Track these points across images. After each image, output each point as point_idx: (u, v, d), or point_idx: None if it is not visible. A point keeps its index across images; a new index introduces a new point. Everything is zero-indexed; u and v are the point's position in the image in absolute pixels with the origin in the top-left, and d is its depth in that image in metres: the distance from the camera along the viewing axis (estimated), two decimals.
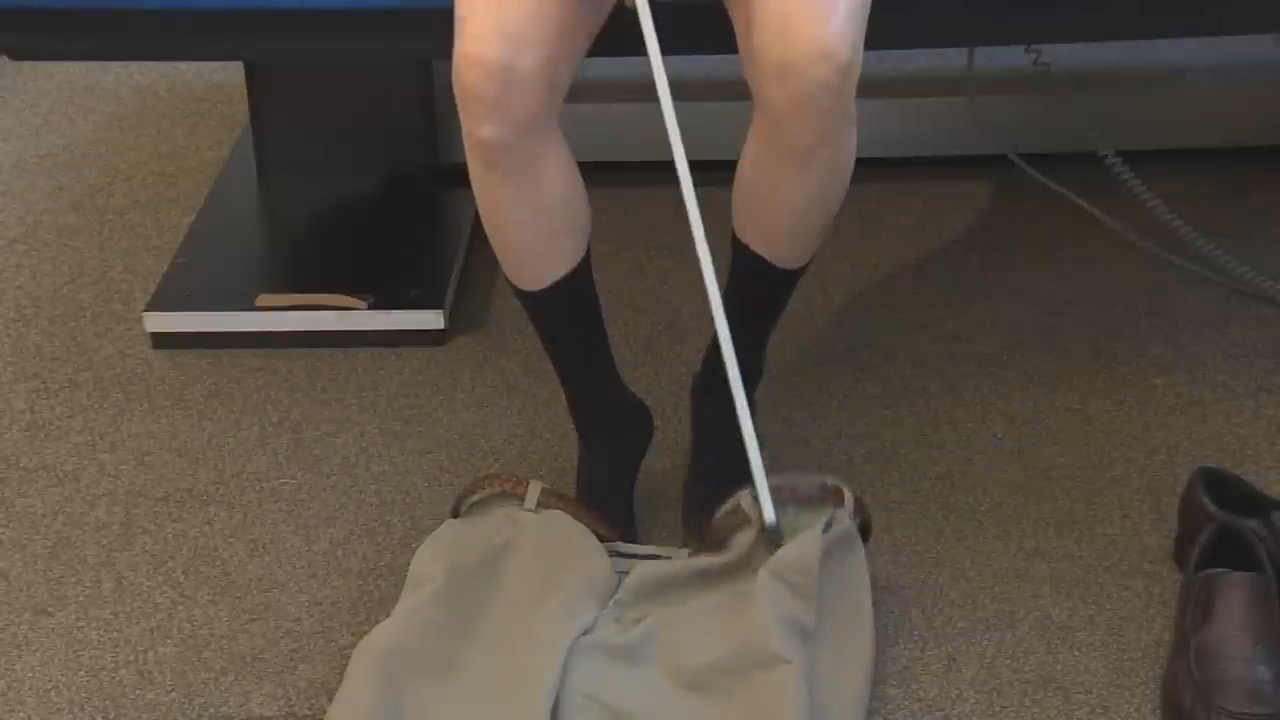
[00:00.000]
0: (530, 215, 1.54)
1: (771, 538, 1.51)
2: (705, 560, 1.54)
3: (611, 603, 1.51)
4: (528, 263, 1.59)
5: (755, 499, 1.52)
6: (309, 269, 2.14)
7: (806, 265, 1.62)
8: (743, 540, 1.53)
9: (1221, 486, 1.62)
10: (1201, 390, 1.91)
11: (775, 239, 1.58)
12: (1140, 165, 2.16)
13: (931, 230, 2.25)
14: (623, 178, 2.19)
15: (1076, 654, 1.55)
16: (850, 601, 1.51)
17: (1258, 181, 2.32)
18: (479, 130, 1.45)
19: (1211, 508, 1.59)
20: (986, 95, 2.40)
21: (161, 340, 2.04)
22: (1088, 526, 1.71)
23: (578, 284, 1.61)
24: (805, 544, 1.50)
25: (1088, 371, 1.95)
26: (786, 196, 1.52)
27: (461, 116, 1.46)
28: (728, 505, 1.55)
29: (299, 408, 1.93)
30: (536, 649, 1.43)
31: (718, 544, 1.55)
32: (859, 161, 2.35)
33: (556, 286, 1.60)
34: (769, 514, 1.51)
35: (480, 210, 1.56)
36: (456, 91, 1.44)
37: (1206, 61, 2.51)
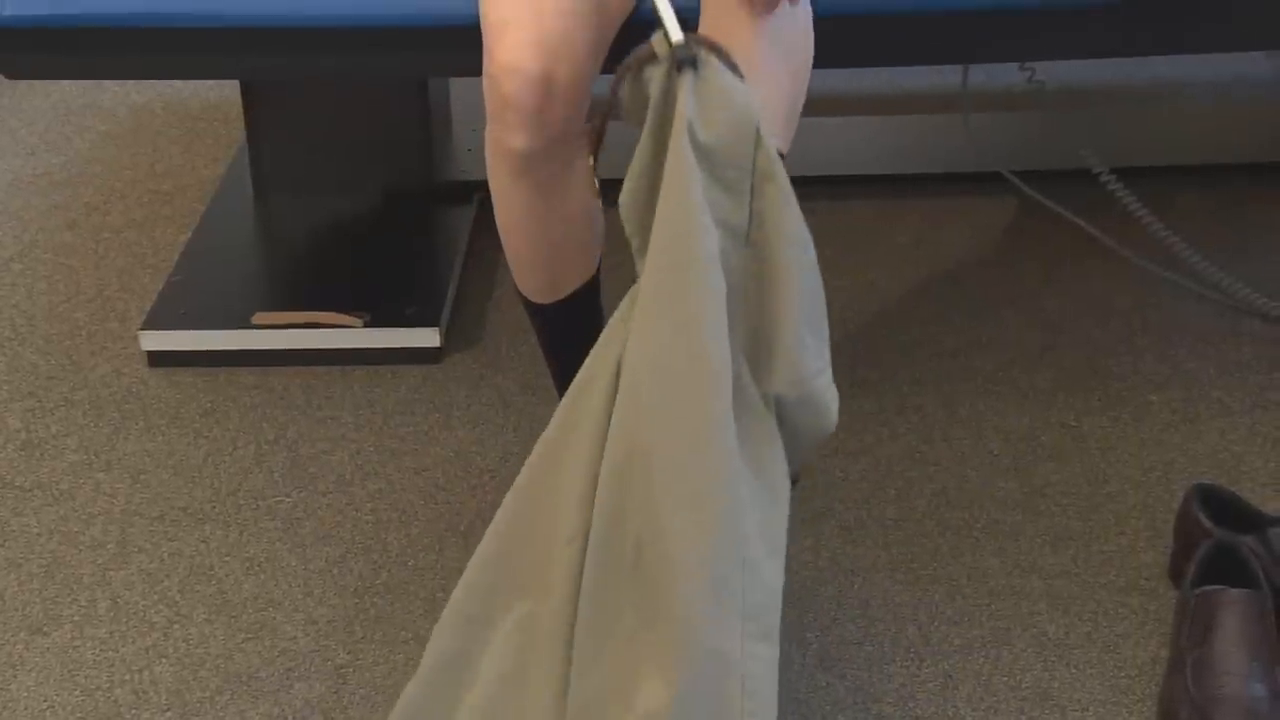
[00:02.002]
0: (552, 227, 1.54)
1: (681, 57, 1.28)
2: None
3: None
4: (543, 275, 1.59)
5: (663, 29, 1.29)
6: (305, 287, 2.14)
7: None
8: (656, 78, 1.29)
9: (1217, 503, 1.62)
10: (1197, 406, 1.91)
11: None
12: (1135, 181, 2.16)
13: (927, 247, 2.25)
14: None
15: (1073, 671, 1.55)
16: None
17: (1252, 197, 2.32)
18: (512, 140, 1.45)
19: (1207, 524, 1.59)
20: (981, 112, 2.41)
21: (157, 359, 2.04)
22: (1084, 543, 1.71)
23: (588, 298, 1.61)
24: (738, 120, 1.28)
25: (1083, 388, 1.95)
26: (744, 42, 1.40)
27: (494, 126, 1.46)
28: (632, 55, 1.32)
29: (295, 426, 1.93)
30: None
31: (638, 105, 1.32)
32: (855, 178, 2.38)
33: (568, 300, 1.60)
34: (674, 30, 1.28)
35: (500, 221, 1.56)
36: (492, 100, 1.44)
37: (1200, 78, 2.52)
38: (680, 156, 1.27)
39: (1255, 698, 1.44)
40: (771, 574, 1.29)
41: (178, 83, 2.82)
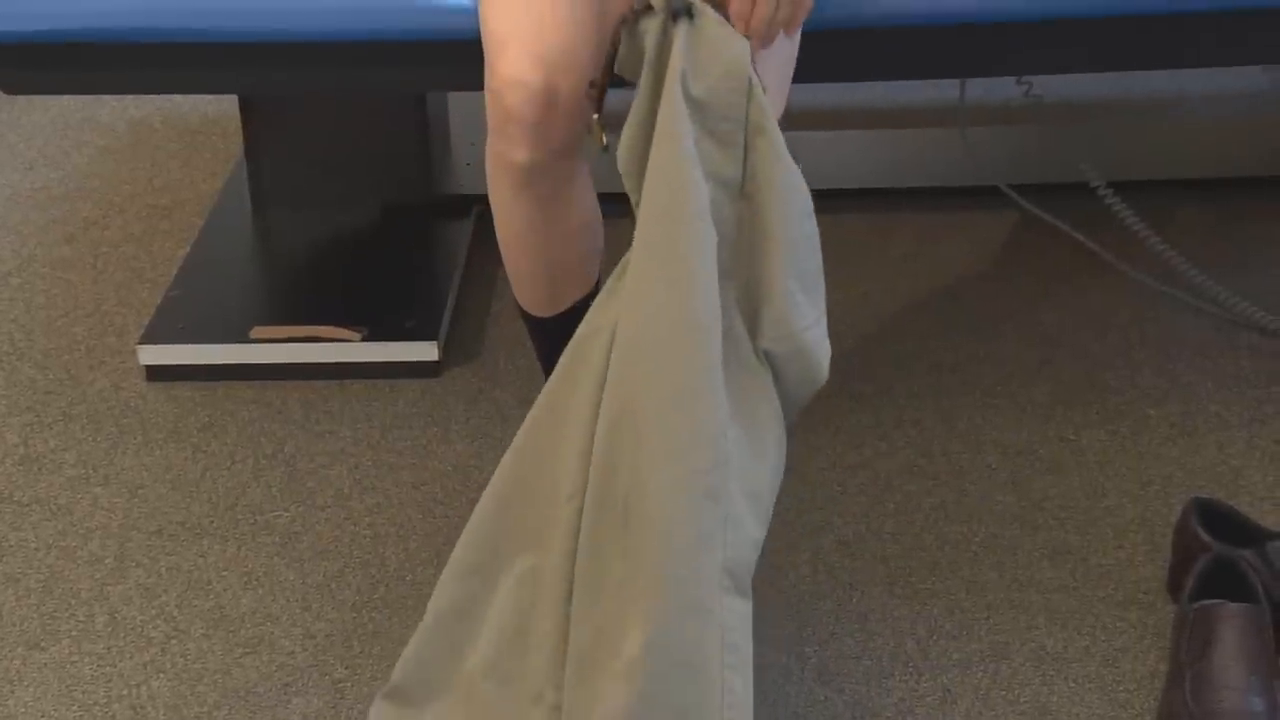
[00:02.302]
0: (554, 240, 1.54)
1: (676, 6, 1.31)
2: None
3: None
4: (544, 288, 1.59)
5: None
6: (304, 301, 2.14)
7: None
8: (652, 30, 1.32)
9: (1216, 517, 1.62)
10: (1195, 420, 1.91)
11: None
12: (1132, 195, 2.17)
13: (924, 261, 2.26)
14: (625, 209, 2.20)
15: (1072, 685, 1.55)
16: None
17: (1249, 211, 2.33)
18: (515, 153, 1.45)
19: (1206, 538, 1.59)
20: (979, 126, 2.41)
21: (156, 373, 2.04)
22: (1082, 557, 1.71)
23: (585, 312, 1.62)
24: (731, 72, 1.30)
25: (1081, 402, 1.95)
26: None
27: (495, 140, 1.46)
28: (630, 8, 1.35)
29: (293, 440, 1.93)
30: None
31: (634, 58, 1.35)
32: (851, 192, 2.38)
33: (567, 313, 1.60)
34: None
35: (501, 235, 1.56)
36: (494, 114, 1.44)
37: (1197, 92, 2.52)
38: (672, 109, 1.29)
39: (1254, 712, 1.44)
40: (754, 528, 1.30)
41: (176, 97, 2.82)
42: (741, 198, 1.32)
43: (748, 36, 1.34)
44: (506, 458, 1.37)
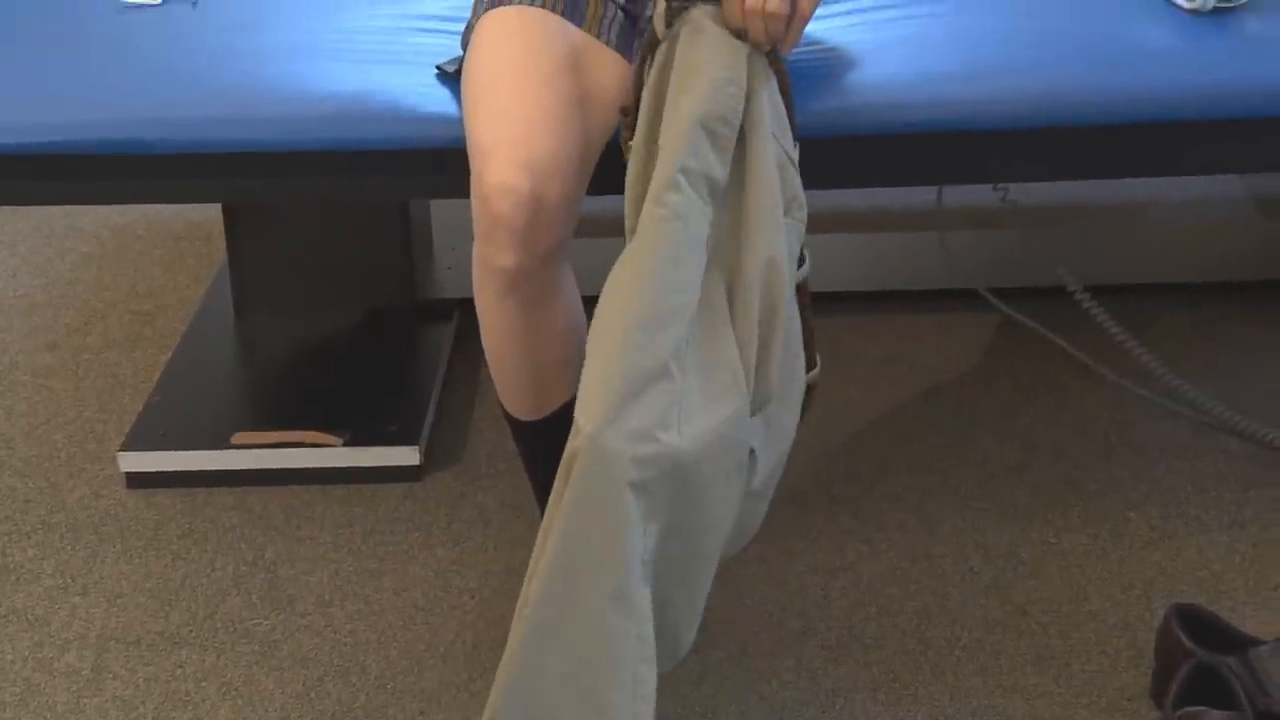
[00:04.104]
0: (539, 344, 1.55)
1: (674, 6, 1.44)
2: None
3: None
4: (528, 392, 1.59)
5: None
6: (286, 406, 2.15)
7: None
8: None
9: (1198, 623, 1.62)
10: (1175, 524, 1.91)
11: None
12: (1110, 299, 2.19)
13: (904, 363, 2.27)
14: None
15: None
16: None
17: (1225, 316, 2.35)
18: (501, 259, 1.47)
19: (1188, 644, 1.59)
20: (957, 230, 2.43)
21: (136, 480, 2.03)
22: (1065, 663, 1.70)
23: (571, 416, 1.62)
24: (728, 76, 1.41)
25: (1062, 505, 1.95)
26: None
27: (483, 245, 1.48)
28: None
29: (274, 546, 1.92)
30: None
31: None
32: (832, 295, 2.39)
33: (553, 416, 1.60)
34: None
35: (486, 340, 1.57)
36: (481, 219, 1.46)
37: (1172, 197, 2.55)
38: (679, 131, 1.38)
39: None
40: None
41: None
42: (725, 207, 1.40)
43: (747, 36, 1.41)
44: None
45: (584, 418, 1.28)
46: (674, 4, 1.43)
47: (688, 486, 1.31)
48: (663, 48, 1.45)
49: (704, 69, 1.40)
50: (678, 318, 1.32)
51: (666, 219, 1.34)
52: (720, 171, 1.38)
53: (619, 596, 1.28)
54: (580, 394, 1.31)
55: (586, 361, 1.32)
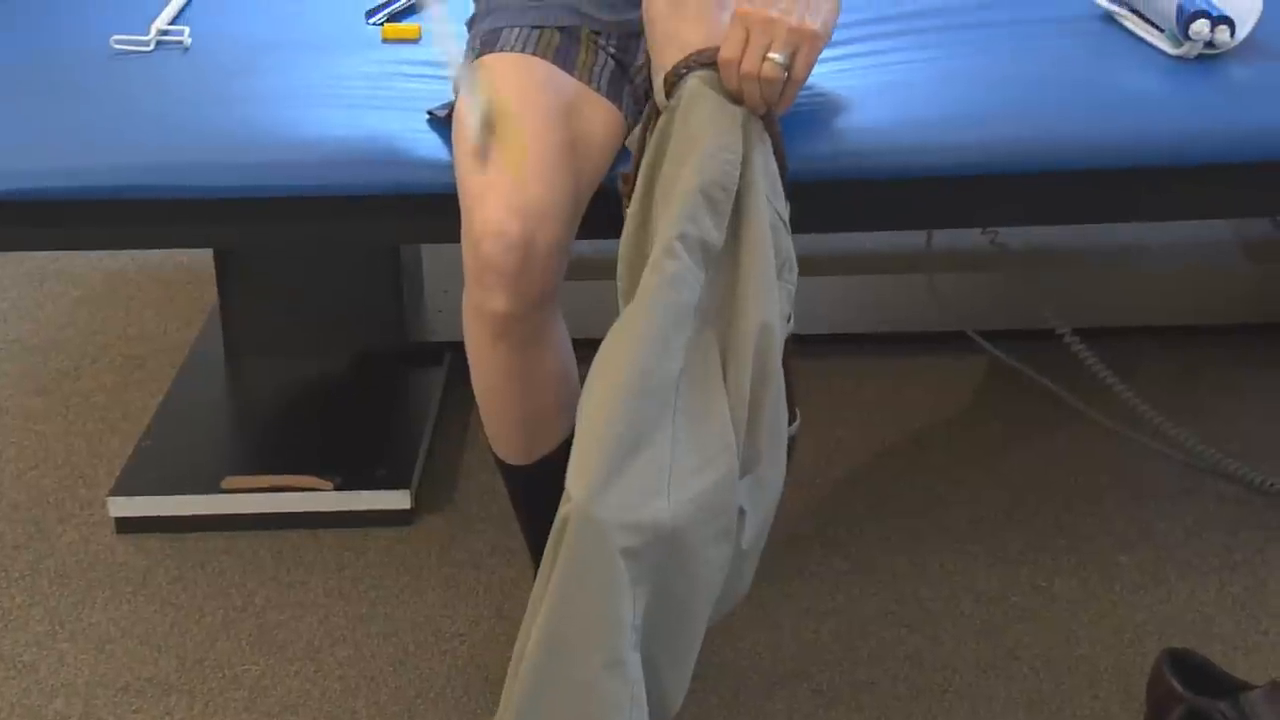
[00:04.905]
0: (530, 388, 1.55)
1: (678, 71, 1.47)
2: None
3: None
4: (519, 438, 1.59)
5: None
6: (276, 450, 2.14)
7: None
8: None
9: (1189, 668, 1.62)
10: (1166, 568, 1.91)
11: None
12: (1098, 342, 2.19)
13: (894, 406, 2.27)
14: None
15: None
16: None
17: (1213, 359, 2.35)
18: (493, 303, 1.47)
19: (1180, 690, 1.59)
20: (945, 273, 2.44)
21: (125, 525, 2.03)
22: (1056, 707, 1.70)
23: (563, 462, 1.62)
24: (725, 143, 1.43)
25: (1053, 549, 1.95)
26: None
27: (473, 288, 1.48)
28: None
29: (263, 591, 1.92)
30: None
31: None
32: (822, 338, 2.40)
33: (543, 462, 1.60)
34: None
35: (477, 385, 1.57)
36: (472, 264, 1.46)
37: (1161, 240, 2.56)
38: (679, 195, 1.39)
39: None
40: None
41: None
42: (715, 268, 1.40)
43: (743, 100, 1.44)
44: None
45: (574, 486, 1.29)
46: (672, 76, 1.45)
47: (678, 552, 1.31)
48: (663, 116, 1.47)
49: (702, 137, 1.42)
50: (667, 386, 1.33)
51: (661, 287, 1.35)
52: (715, 236, 1.39)
53: (613, 663, 1.29)
54: (572, 461, 1.31)
55: (578, 428, 1.33)
